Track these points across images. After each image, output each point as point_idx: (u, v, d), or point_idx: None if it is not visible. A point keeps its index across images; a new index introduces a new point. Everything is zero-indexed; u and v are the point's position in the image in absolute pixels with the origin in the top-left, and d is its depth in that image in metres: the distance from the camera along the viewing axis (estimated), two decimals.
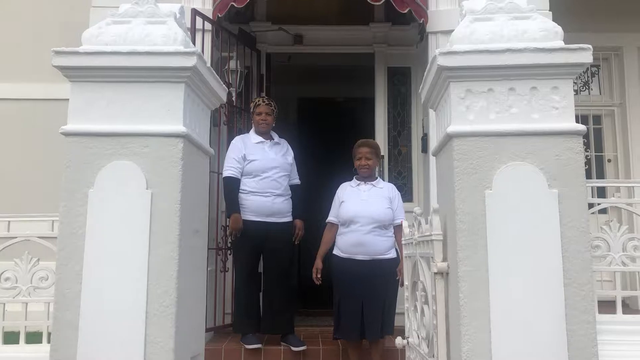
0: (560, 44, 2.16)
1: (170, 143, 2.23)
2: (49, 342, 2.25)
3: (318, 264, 3.89)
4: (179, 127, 2.23)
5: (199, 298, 2.58)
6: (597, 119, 5.98)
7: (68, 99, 2.30)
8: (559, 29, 2.21)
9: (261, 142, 4.19)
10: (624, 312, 2.52)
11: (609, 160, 5.93)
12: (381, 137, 5.23)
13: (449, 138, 2.18)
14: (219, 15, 4.35)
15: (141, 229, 2.16)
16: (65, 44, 2.39)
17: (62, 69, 2.26)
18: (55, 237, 2.26)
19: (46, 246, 2.53)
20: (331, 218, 3.91)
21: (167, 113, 2.25)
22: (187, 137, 2.27)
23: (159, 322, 2.15)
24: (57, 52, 2.24)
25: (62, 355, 2.14)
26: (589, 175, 5.68)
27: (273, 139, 4.27)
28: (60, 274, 2.19)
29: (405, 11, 4.23)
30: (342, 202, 3.82)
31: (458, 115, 2.17)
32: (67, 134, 2.25)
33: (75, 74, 2.27)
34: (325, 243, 3.92)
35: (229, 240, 4.40)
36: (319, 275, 3.87)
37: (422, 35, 4.69)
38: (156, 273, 2.16)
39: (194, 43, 4.17)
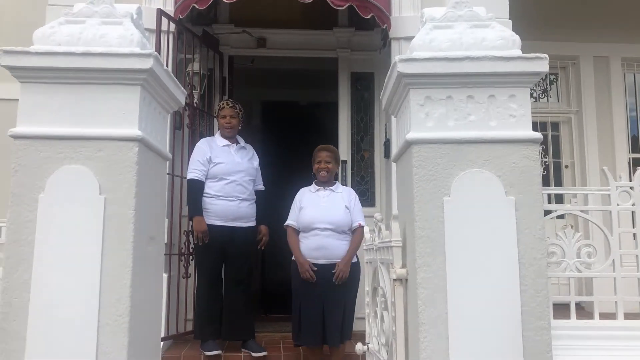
0: (517, 52, 2.19)
1: (125, 147, 2.16)
2: None
3: (304, 263, 3.68)
4: (134, 131, 2.17)
5: (155, 306, 2.51)
6: (555, 126, 6.13)
7: (18, 99, 2.20)
8: (516, 37, 2.24)
9: (227, 145, 4.14)
10: (580, 315, 2.57)
11: (567, 166, 6.07)
12: (344, 141, 5.23)
13: (409, 145, 2.18)
14: (180, 17, 4.29)
15: (94, 235, 2.09)
16: (21, 42, 2.29)
17: (12, 69, 2.16)
18: (2, 244, 2.17)
19: None
20: (291, 222, 3.87)
21: (122, 116, 2.18)
22: (143, 140, 2.21)
23: (111, 332, 2.07)
24: (6, 52, 2.14)
25: None
26: (547, 181, 5.82)
27: (239, 143, 4.22)
28: (7, 283, 2.09)
29: (369, 17, 4.25)
30: (302, 207, 3.80)
31: (417, 122, 2.17)
32: (16, 137, 2.16)
33: (25, 74, 2.18)
34: (295, 244, 3.78)
35: (192, 245, 4.32)
36: (312, 272, 3.68)
37: (385, 41, 4.71)
38: (109, 281, 2.08)
39: (159, 44, 4.14)
